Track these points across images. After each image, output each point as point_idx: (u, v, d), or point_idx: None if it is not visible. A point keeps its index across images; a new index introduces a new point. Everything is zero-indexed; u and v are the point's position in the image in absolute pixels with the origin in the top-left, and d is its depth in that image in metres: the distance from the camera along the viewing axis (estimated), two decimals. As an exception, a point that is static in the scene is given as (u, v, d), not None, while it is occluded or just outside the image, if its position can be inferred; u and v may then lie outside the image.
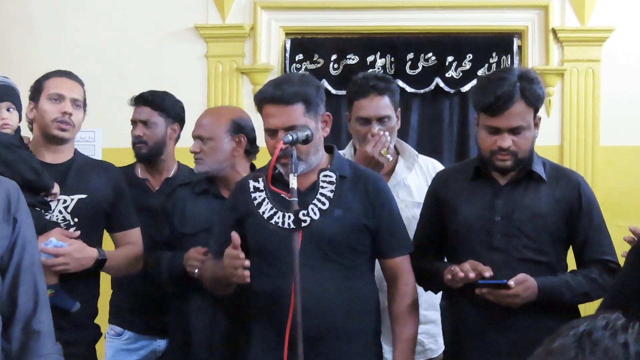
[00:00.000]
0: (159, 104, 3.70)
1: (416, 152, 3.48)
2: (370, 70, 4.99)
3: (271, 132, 2.66)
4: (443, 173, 3.10)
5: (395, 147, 3.43)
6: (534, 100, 2.73)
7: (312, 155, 2.68)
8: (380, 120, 3.25)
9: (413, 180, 3.39)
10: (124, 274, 3.31)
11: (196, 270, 3.02)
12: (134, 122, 3.74)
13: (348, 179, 2.74)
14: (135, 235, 3.22)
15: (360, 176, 2.78)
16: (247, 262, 2.50)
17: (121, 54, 5.21)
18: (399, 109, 3.37)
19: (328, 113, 2.77)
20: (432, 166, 3.45)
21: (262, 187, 2.43)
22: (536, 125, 2.79)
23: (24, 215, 2.22)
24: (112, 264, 3.08)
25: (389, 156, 3.19)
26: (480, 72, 5.08)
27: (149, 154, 3.70)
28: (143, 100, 3.72)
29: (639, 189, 4.68)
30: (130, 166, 3.81)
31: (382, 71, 5.03)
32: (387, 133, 3.19)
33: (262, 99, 2.68)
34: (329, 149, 2.83)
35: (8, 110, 2.93)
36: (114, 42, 5.21)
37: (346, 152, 3.42)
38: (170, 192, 3.40)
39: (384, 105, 3.27)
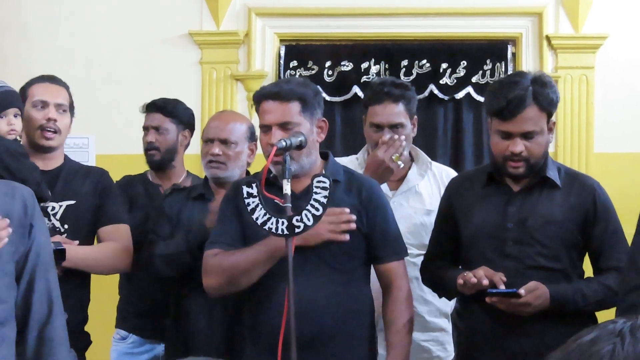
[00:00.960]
0: (171, 111, 3.71)
1: (429, 160, 3.48)
2: (390, 76, 4.96)
3: (266, 128, 2.67)
4: (457, 179, 3.07)
5: (410, 153, 3.43)
6: (547, 105, 2.69)
7: (305, 157, 2.68)
8: (393, 127, 3.25)
9: (425, 187, 3.38)
10: (108, 270, 3.23)
11: None
12: (145, 128, 3.75)
13: (342, 183, 2.74)
14: (120, 230, 3.15)
15: (354, 181, 2.78)
16: (354, 217, 2.59)
17: (115, 60, 5.21)
18: (416, 117, 3.36)
19: (324, 119, 2.78)
20: (446, 174, 3.43)
21: (255, 193, 2.43)
22: (550, 130, 2.74)
23: (39, 221, 2.21)
24: (85, 257, 3.02)
25: (400, 162, 3.18)
26: (474, 79, 5.09)
27: (162, 160, 3.70)
28: (155, 107, 3.74)
29: (634, 196, 4.67)
30: (143, 173, 3.82)
31: (376, 78, 5.04)
32: (402, 138, 3.18)
33: (260, 96, 2.71)
34: (324, 155, 2.83)
35: (15, 116, 2.94)
36: (108, 48, 5.21)
37: (359, 157, 3.43)
38: (167, 193, 3.38)
39: (397, 112, 3.25)
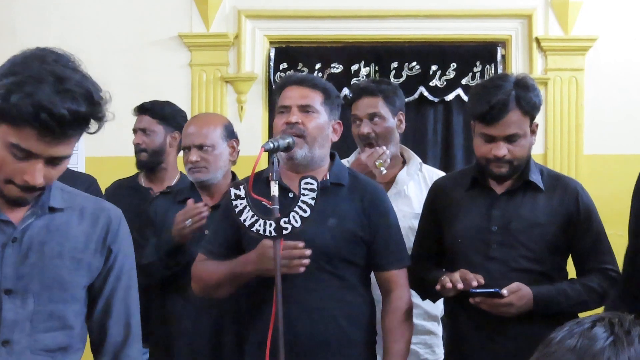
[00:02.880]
0: (158, 112, 3.76)
1: (420, 162, 3.48)
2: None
3: (284, 108, 2.69)
4: (440, 181, 3.05)
5: (402, 154, 3.46)
6: (530, 109, 2.69)
7: (318, 145, 2.68)
8: (371, 118, 3.31)
9: (414, 190, 3.38)
10: None
11: (188, 222, 2.99)
12: (134, 130, 3.79)
13: (346, 187, 2.72)
14: None
15: (357, 185, 2.74)
16: (309, 252, 2.49)
17: (105, 63, 5.17)
18: (401, 113, 3.40)
19: (339, 122, 2.79)
20: (437, 177, 3.38)
21: (243, 195, 2.42)
22: (533, 132, 2.74)
23: (123, 244, 2.16)
24: None
25: (383, 169, 3.18)
26: (464, 81, 5.11)
27: (150, 161, 3.73)
28: (143, 109, 3.79)
29: (623, 197, 4.63)
30: (134, 176, 3.83)
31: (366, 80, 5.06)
32: (384, 148, 3.21)
33: (286, 81, 2.77)
34: (330, 156, 2.80)
35: None
36: (97, 51, 5.18)
37: (351, 160, 3.44)
38: (153, 198, 3.37)
39: (373, 104, 3.32)
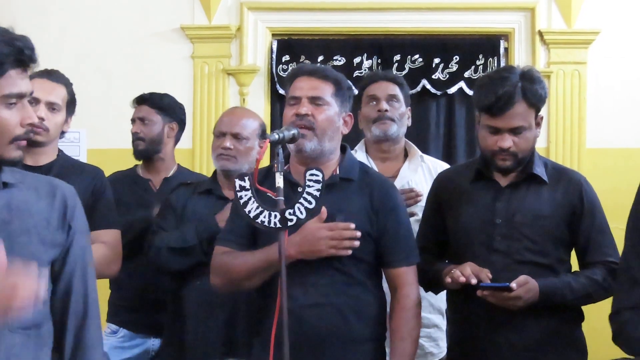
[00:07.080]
0: (157, 102, 3.78)
1: (420, 153, 3.49)
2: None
3: (294, 99, 2.66)
4: (445, 174, 3.05)
5: (404, 148, 3.49)
6: (536, 101, 2.69)
7: (327, 138, 2.65)
8: (389, 99, 3.37)
9: (419, 183, 3.37)
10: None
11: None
12: (133, 120, 3.82)
13: (355, 182, 2.68)
14: (109, 235, 3.06)
15: (367, 181, 2.71)
16: (359, 233, 2.53)
17: (107, 55, 5.19)
18: (409, 108, 3.48)
19: (350, 114, 2.77)
20: (441, 168, 3.40)
21: (248, 186, 2.41)
22: (538, 124, 2.75)
23: (79, 222, 2.17)
24: None
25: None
26: (467, 74, 5.11)
27: (146, 150, 3.74)
28: (142, 99, 3.82)
29: (625, 191, 4.60)
30: (133, 168, 3.85)
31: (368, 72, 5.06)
32: (420, 195, 3.22)
33: (297, 72, 2.74)
34: (342, 148, 2.77)
35: None
36: (99, 43, 5.19)
37: (357, 149, 3.46)
38: (174, 188, 3.37)
39: (392, 88, 3.41)
